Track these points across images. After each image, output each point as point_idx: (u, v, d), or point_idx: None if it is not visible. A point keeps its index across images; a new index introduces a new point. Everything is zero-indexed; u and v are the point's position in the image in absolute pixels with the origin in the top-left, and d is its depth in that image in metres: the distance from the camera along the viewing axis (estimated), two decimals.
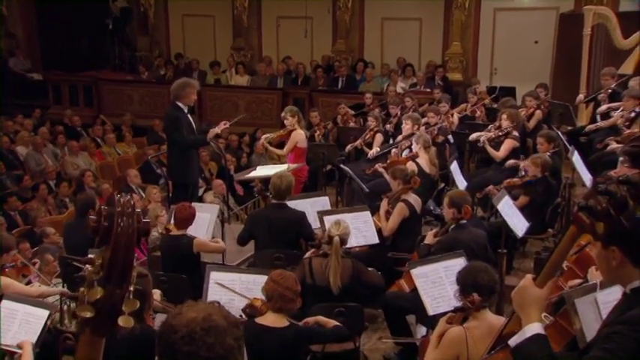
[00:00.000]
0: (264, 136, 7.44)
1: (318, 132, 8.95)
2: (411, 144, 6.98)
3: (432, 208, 6.41)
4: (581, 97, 8.96)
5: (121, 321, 1.49)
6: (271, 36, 13.62)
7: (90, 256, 1.61)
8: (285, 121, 7.37)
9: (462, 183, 6.33)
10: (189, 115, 6.53)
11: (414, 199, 5.53)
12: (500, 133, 7.03)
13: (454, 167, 6.46)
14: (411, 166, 6.31)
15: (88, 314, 1.49)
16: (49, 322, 3.31)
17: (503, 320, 2.60)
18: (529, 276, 1.93)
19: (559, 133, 7.15)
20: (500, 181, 6.13)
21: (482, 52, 12.12)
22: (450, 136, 7.80)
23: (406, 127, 7.45)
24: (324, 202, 5.67)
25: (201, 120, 10.72)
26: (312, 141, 8.41)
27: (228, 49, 13.63)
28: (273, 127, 9.95)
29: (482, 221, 5.89)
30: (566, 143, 7.00)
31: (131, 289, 1.52)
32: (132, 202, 1.51)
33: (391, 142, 8.05)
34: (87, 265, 1.55)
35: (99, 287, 1.49)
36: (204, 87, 12.47)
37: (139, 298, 1.55)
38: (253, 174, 6.88)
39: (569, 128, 8.20)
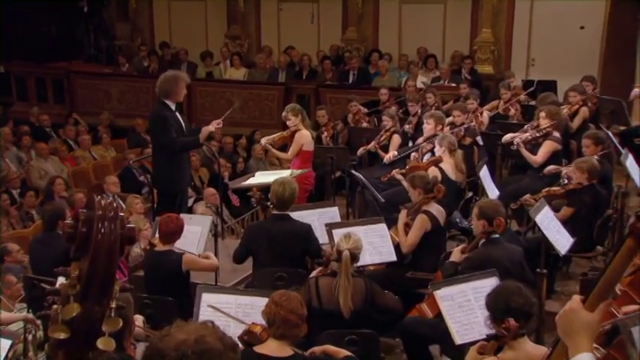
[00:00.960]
0: (264, 139, 7.46)
1: (325, 133, 8.99)
2: (434, 147, 6.99)
3: (458, 220, 6.40)
4: (636, 91, 8.94)
5: (101, 343, 1.49)
6: (272, 22, 13.69)
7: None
8: (287, 122, 7.39)
9: (493, 192, 6.33)
10: (177, 114, 6.57)
11: (437, 210, 5.53)
12: (538, 134, 7.02)
13: (484, 173, 6.46)
14: (433, 172, 6.31)
15: (62, 335, 1.49)
16: (10, 354, 3.31)
17: (544, 350, 2.59)
18: (577, 297, 1.89)
19: (609, 133, 7.14)
20: (539, 190, 6.12)
21: (517, 40, 12.13)
22: (478, 138, 7.81)
23: (428, 127, 7.47)
24: (332, 213, 5.70)
25: (190, 121, 10.76)
26: (319, 144, 8.43)
27: (221, 38, 13.70)
28: (273, 128, 9.98)
29: (517, 236, 5.88)
30: (618, 145, 6.98)
31: (112, 305, 1.52)
32: (114, 205, 1.52)
33: (410, 144, 8.07)
34: (62, 278, 1.56)
35: (75, 303, 1.50)
36: (194, 81, 12.49)
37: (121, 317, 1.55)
38: (251, 181, 6.90)
39: (622, 128, 8.18)
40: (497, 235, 4.66)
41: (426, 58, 12.20)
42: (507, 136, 7.30)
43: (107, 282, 1.51)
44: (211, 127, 6.64)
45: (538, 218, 5.07)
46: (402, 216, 5.56)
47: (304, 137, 7.27)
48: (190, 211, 7.38)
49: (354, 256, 4.24)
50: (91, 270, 1.48)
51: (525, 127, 7.36)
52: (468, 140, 7.68)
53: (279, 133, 7.48)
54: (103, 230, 1.47)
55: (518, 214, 6.59)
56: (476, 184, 6.93)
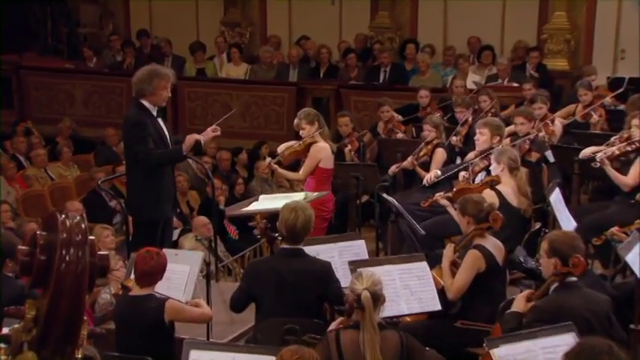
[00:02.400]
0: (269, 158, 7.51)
1: (349, 146, 9.01)
2: (489, 164, 6.98)
3: (521, 258, 6.36)
4: None
5: None
6: (281, 6, 13.79)
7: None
8: (300, 132, 7.44)
9: (568, 222, 6.31)
10: (159, 120, 6.62)
11: (493, 244, 5.52)
12: (629, 148, 7.01)
13: (555, 198, 6.44)
14: (489, 196, 6.29)
15: None
16: None
17: None
18: None
19: None
20: (631, 221, 6.08)
21: (600, 25, 12.10)
22: (549, 153, 7.80)
23: (482, 138, 7.46)
24: (358, 248, 5.68)
25: (176, 131, 10.85)
26: (341, 160, 8.46)
27: (216, 26, 13.81)
28: (282, 140, 10.00)
29: (602, 281, 5.83)
30: None
31: (78, 356, 1.54)
32: (83, 226, 1.54)
33: (458, 161, 8.06)
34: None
35: (29, 352, 1.52)
36: (182, 80, 12.62)
37: None
38: (254, 207, 6.92)
39: None
40: (574, 279, 4.62)
41: (479, 50, 12.23)
42: (587, 151, 7.29)
43: (72, 325, 1.53)
44: (199, 136, 6.68)
45: (630, 258, 5.02)
46: (448, 252, 5.55)
47: (322, 151, 7.30)
48: (176, 245, 7.41)
49: (377, 296, 4.22)
50: (52, 309, 1.50)
51: (612, 138, 7.33)
52: (534, 155, 7.66)
53: (289, 145, 7.52)
54: (67, 258, 1.49)
55: (602, 251, 6.55)
56: (545, 212, 6.90)
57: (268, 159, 7.73)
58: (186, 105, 12.73)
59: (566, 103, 9.77)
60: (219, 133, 6.89)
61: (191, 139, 6.60)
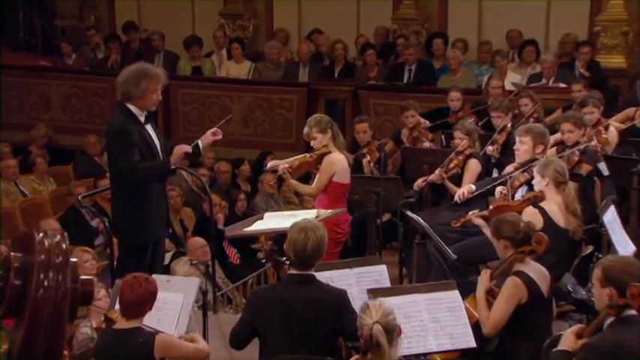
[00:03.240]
0: (280, 164, 7.48)
1: (368, 157, 9.00)
2: (532, 178, 6.98)
3: (570, 287, 6.35)
4: None
5: None
6: None
7: None
8: (311, 141, 7.45)
9: (625, 245, 6.31)
10: (148, 127, 6.64)
11: (536, 271, 5.51)
12: None
13: (610, 218, 6.43)
14: (531, 215, 6.30)
15: None
16: None
17: None
18: None
19: None
20: None
21: None
22: (602, 165, 7.78)
23: (522, 148, 7.45)
24: (378, 274, 5.69)
25: (169, 138, 10.88)
26: (359, 172, 8.46)
27: (215, 18, 13.85)
28: (290, 150, 10.04)
29: None
30: None
31: None
32: (63, 247, 1.55)
33: (495, 174, 8.05)
34: None
35: None
36: (175, 80, 12.65)
37: None
38: (257, 227, 6.93)
39: None
40: (633, 312, 4.61)
41: (521, 45, 12.22)
42: None
43: None
44: (189, 147, 6.69)
45: None
46: (484, 280, 5.55)
47: (336, 164, 7.33)
48: (168, 271, 7.42)
49: (390, 328, 4.22)
50: (28, 342, 1.51)
51: None
52: (585, 168, 7.64)
53: (299, 157, 7.53)
54: (46, 283, 1.50)
55: None
56: (598, 233, 6.89)
57: (281, 167, 7.53)
58: (179, 109, 12.74)
59: (624, 106, 9.73)
60: (220, 137, 6.89)
61: (179, 150, 6.60)
